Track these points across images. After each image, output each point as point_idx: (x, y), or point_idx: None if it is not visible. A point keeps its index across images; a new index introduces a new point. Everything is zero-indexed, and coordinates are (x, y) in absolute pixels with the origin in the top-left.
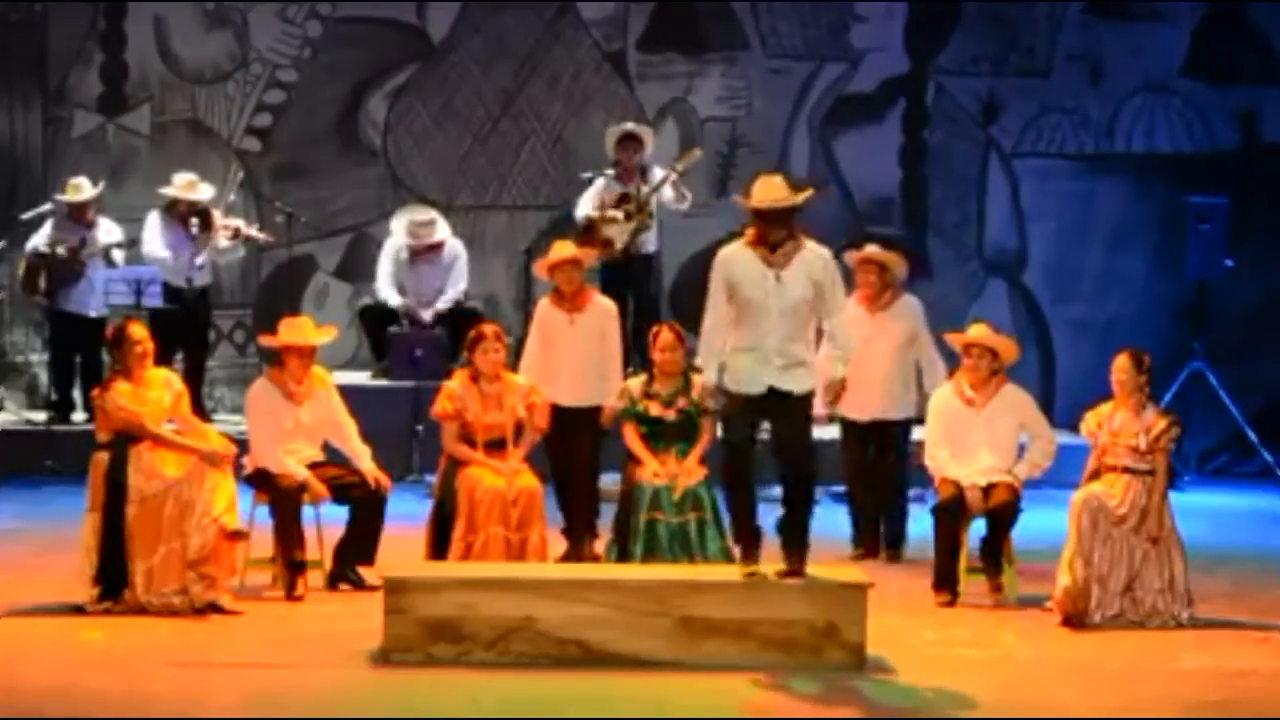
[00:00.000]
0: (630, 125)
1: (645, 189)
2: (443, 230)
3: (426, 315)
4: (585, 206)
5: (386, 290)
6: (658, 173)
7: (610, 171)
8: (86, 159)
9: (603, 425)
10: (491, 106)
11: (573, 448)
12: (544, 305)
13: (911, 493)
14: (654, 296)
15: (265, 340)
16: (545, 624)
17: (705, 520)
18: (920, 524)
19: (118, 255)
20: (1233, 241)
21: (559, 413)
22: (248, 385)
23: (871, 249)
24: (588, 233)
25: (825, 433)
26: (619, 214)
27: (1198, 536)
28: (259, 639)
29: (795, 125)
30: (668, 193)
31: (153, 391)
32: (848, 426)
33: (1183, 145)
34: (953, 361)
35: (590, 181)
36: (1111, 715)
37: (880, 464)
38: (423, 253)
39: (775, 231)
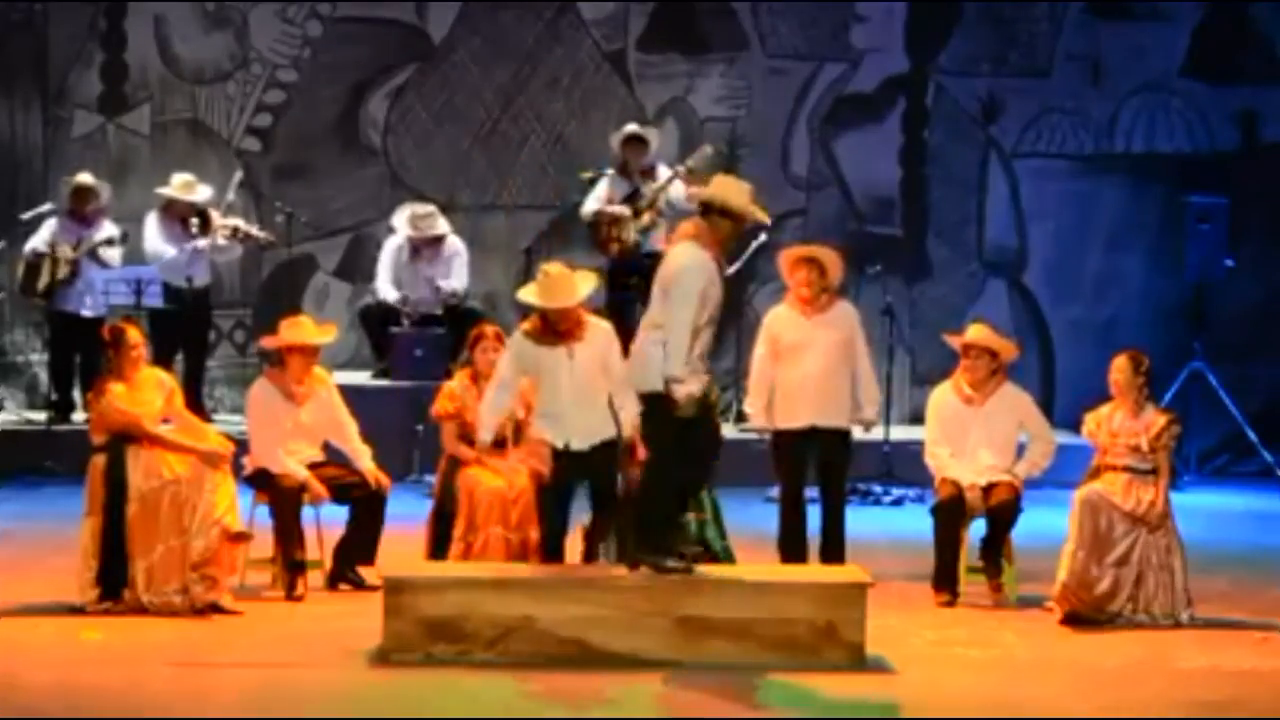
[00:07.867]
0: (637, 127)
1: (653, 187)
2: (444, 225)
3: (436, 311)
4: (592, 204)
5: (385, 287)
6: (663, 170)
7: (611, 170)
8: (87, 159)
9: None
10: (491, 106)
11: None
12: (520, 340)
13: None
14: None
15: (267, 342)
16: (545, 624)
17: (705, 520)
18: (920, 523)
19: (114, 255)
20: (1232, 242)
21: (572, 458)
22: (248, 385)
23: (812, 247)
24: (595, 230)
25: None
26: (627, 210)
27: (1197, 536)
28: (259, 639)
29: (795, 125)
30: (678, 190)
31: (146, 392)
32: (779, 436)
33: (1182, 145)
34: (935, 363)
35: (592, 181)
36: (1111, 715)
37: (825, 473)
38: (424, 248)
39: None
